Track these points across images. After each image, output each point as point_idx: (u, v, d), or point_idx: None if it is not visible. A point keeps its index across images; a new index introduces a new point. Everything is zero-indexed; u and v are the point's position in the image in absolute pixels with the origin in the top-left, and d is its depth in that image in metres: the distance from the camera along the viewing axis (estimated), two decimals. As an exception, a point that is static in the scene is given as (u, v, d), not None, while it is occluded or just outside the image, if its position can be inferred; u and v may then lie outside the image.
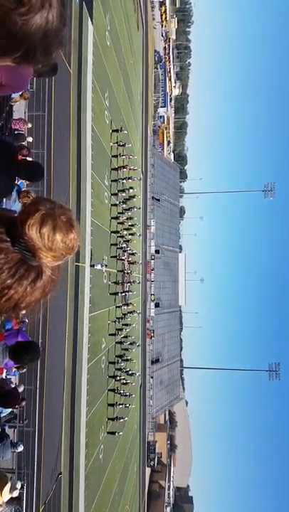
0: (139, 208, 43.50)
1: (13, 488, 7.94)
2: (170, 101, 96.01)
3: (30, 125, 12.63)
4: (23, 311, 1.39)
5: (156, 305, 60.39)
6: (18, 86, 1.64)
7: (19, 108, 12.71)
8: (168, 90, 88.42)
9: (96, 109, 23.93)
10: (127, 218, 36.19)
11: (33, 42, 0.96)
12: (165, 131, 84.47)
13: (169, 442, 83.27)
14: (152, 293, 58.96)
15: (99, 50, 24.96)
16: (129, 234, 37.55)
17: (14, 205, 6.65)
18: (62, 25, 1.00)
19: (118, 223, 32.23)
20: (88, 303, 22.18)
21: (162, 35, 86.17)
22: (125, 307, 35.00)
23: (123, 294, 34.17)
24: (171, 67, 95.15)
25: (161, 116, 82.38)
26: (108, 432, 27.89)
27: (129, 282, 36.85)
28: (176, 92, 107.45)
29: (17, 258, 1.22)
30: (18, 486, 8.76)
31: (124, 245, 34.63)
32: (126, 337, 35.83)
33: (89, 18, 22.36)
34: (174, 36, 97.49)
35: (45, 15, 0.94)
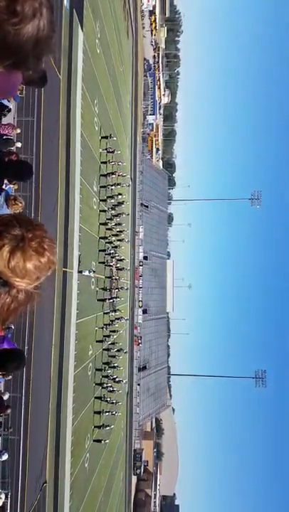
0: (128, 214, 43.56)
1: (-4, 498, 7.81)
2: (159, 109, 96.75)
3: (19, 130, 12.60)
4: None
5: (144, 311, 60.29)
6: (7, 91, 1.64)
7: (8, 113, 12.66)
8: (157, 98, 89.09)
9: (85, 115, 23.97)
10: (116, 224, 36.20)
11: (25, 50, 0.98)
12: (154, 139, 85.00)
13: (155, 450, 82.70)
14: (140, 299, 58.89)
15: (89, 57, 25.08)
16: (118, 240, 37.54)
17: (1, 210, 6.61)
18: (52, 32, 1.02)
19: (106, 229, 32.20)
20: (75, 309, 22.03)
21: (152, 44, 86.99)
22: (113, 313, 34.88)
23: (111, 300, 34.06)
24: (161, 75, 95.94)
25: (150, 124, 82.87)
26: (94, 440, 27.61)
27: (117, 288, 36.75)
28: (165, 100, 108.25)
29: None
30: (2, 496, 8.62)
31: (113, 251, 34.58)
32: (113, 344, 35.65)
33: (79, 25, 22.49)
34: (163, 45, 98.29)
35: (36, 23, 0.95)
